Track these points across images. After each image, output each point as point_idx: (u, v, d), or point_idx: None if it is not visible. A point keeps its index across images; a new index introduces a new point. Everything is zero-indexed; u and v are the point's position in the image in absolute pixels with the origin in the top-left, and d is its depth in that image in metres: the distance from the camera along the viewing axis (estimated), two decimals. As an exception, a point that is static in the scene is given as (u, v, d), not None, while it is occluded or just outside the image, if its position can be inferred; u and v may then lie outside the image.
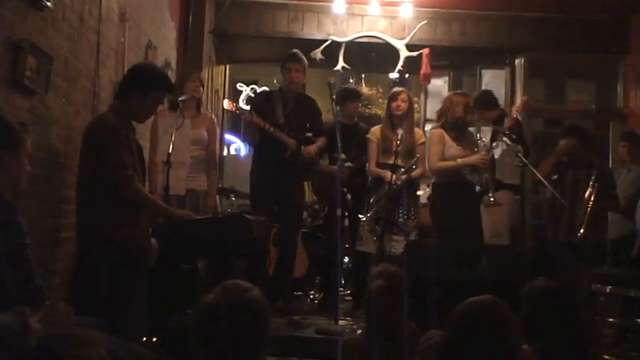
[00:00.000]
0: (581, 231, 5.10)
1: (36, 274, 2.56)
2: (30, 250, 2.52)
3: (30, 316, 2.12)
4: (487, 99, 6.18)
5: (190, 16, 7.08)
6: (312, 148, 5.53)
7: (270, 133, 5.40)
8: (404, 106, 5.43)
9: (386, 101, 5.97)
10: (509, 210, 5.97)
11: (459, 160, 5.19)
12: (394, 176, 5.08)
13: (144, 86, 3.58)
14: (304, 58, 5.61)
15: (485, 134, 5.76)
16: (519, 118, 5.73)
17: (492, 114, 6.01)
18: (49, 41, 3.69)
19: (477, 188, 5.27)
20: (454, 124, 5.30)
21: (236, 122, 10.34)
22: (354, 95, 6.29)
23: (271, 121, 5.45)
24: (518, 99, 7.65)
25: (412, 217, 5.35)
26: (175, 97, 4.73)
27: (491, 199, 5.08)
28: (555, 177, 5.47)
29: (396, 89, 5.69)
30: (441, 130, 5.35)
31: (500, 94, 7.27)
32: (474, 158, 5.16)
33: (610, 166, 7.05)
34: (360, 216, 5.33)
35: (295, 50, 5.63)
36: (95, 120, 3.78)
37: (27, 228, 2.53)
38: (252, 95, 10.73)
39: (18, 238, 2.46)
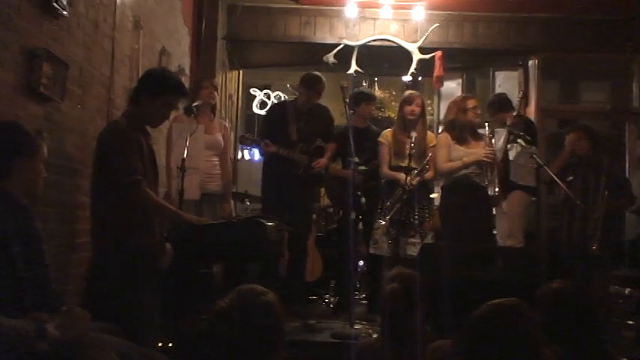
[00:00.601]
0: (594, 246, 5.10)
1: (52, 279, 2.58)
2: (46, 255, 2.54)
3: (47, 322, 2.13)
4: (502, 102, 6.20)
5: (203, 22, 7.10)
6: (323, 162, 5.62)
7: (286, 156, 5.46)
8: (418, 110, 5.42)
9: (399, 104, 5.95)
10: (522, 212, 5.95)
11: (464, 159, 5.23)
12: (408, 178, 5.07)
13: (154, 91, 3.57)
14: (321, 83, 5.60)
15: (500, 136, 5.77)
16: (521, 113, 5.73)
17: (507, 116, 6.01)
18: (65, 49, 3.71)
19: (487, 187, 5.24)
20: (451, 126, 5.39)
21: (250, 126, 10.37)
22: (369, 98, 6.28)
23: (284, 140, 5.50)
24: (533, 100, 7.66)
25: (427, 219, 5.33)
26: (190, 103, 4.77)
27: (496, 191, 5.08)
28: (571, 178, 5.44)
29: (410, 93, 5.65)
30: (445, 134, 5.43)
31: (514, 96, 7.24)
32: (480, 153, 5.16)
33: (627, 166, 7.01)
34: (380, 221, 5.33)
35: (314, 77, 5.62)
36: (107, 126, 3.79)
37: (43, 234, 2.55)
38: (267, 101, 10.78)
39: (35, 243, 2.47)
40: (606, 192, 5.21)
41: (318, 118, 5.71)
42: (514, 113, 5.56)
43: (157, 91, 3.58)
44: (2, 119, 2.89)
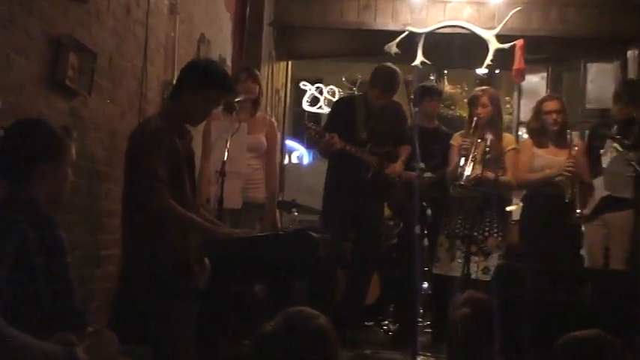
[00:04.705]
0: None
1: (76, 295, 2.63)
2: (70, 269, 2.59)
3: (75, 345, 2.17)
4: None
5: (248, 7, 7.18)
6: (398, 166, 5.61)
7: (353, 155, 5.47)
8: (485, 111, 5.40)
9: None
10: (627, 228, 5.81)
11: (547, 171, 5.32)
12: (487, 172, 5.08)
13: (197, 83, 3.58)
14: (397, 80, 5.60)
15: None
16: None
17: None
18: (93, 37, 3.79)
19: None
20: (529, 132, 5.61)
21: (299, 126, 10.44)
22: (433, 92, 6.25)
23: (352, 139, 5.52)
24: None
25: (495, 234, 5.29)
26: (231, 99, 4.81)
27: (577, 213, 5.02)
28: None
29: (475, 92, 5.72)
30: (529, 139, 5.58)
31: (609, 93, 7.11)
32: (562, 166, 5.17)
33: None
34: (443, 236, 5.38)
35: (389, 73, 5.62)
36: (138, 125, 3.86)
37: (68, 244, 2.60)
38: (319, 97, 10.85)
39: (59, 256, 2.53)
40: None
41: (391, 116, 5.73)
42: None
43: (201, 83, 3.58)
44: (25, 116, 2.97)
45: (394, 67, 5.72)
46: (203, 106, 3.67)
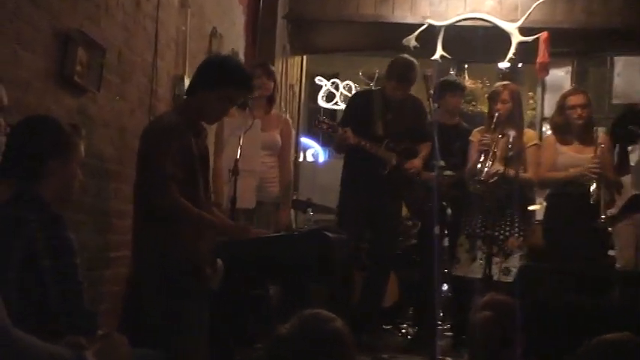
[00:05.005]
0: None
1: (85, 298, 2.65)
2: (79, 270, 2.61)
3: (85, 348, 2.18)
4: None
5: (261, -1, 7.20)
6: (417, 162, 5.59)
7: (368, 150, 5.47)
8: (505, 107, 5.38)
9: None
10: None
11: (571, 170, 5.23)
12: (507, 170, 5.05)
13: (212, 81, 3.58)
14: (414, 71, 5.59)
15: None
16: None
17: None
18: (102, 31, 3.81)
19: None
20: (552, 127, 5.53)
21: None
22: (455, 86, 6.26)
23: (368, 134, 5.52)
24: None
25: (516, 234, 5.28)
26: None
27: (602, 218, 4.97)
28: None
29: (495, 87, 5.71)
30: (552, 136, 5.50)
31: (636, 87, 7.08)
32: (578, 170, 5.12)
33: None
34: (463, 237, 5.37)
35: (406, 65, 5.61)
36: (150, 122, 3.87)
37: (77, 245, 2.61)
38: (334, 92, 10.86)
39: (67, 256, 2.54)
40: None
41: (410, 111, 5.70)
42: None
43: (214, 81, 3.58)
44: (33, 113, 2.98)
45: (411, 58, 5.71)
46: (218, 105, 3.65)
